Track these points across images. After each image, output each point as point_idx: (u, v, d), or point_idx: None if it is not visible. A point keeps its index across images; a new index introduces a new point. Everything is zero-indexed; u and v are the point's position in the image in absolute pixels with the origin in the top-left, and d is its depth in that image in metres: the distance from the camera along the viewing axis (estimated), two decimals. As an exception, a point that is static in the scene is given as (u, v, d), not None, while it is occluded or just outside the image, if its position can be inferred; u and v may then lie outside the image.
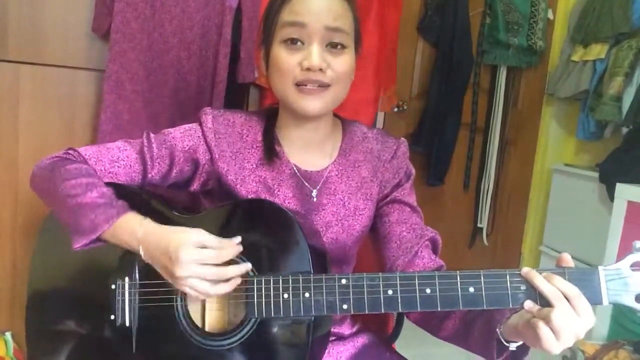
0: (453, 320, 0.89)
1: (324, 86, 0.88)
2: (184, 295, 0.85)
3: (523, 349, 0.79)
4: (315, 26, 0.86)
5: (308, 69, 0.86)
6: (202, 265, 0.76)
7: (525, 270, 0.74)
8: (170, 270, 0.76)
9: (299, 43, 0.87)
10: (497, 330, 0.79)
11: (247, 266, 0.80)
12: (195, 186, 0.97)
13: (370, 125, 1.85)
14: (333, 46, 0.88)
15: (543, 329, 0.69)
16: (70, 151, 0.91)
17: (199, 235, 0.78)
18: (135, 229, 0.80)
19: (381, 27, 1.79)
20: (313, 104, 0.88)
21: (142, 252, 0.80)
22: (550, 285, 0.71)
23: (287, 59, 0.87)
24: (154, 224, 0.81)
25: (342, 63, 0.89)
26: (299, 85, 0.88)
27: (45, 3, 1.39)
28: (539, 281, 0.72)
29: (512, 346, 0.78)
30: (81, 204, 0.81)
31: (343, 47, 0.89)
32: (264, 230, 0.85)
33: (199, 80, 1.46)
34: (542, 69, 2.65)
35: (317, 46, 0.87)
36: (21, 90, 1.40)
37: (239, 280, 0.80)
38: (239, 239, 0.81)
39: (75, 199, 0.81)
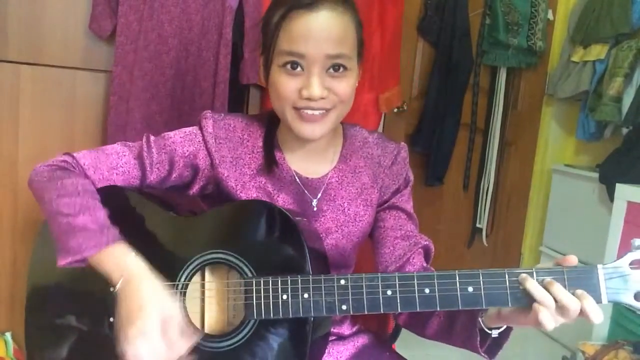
0: (438, 317, 0.90)
1: (324, 111, 0.87)
2: (183, 297, 0.85)
3: (504, 335, 0.81)
4: (315, 56, 0.82)
5: (308, 99, 0.84)
6: (159, 337, 0.74)
7: (522, 276, 0.74)
8: (132, 319, 0.74)
9: (298, 68, 0.84)
10: (479, 319, 0.80)
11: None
12: (194, 190, 0.96)
13: (378, 125, 1.85)
14: (335, 69, 0.85)
15: (542, 311, 0.71)
16: (67, 158, 0.89)
17: (173, 306, 0.76)
18: (120, 262, 0.78)
19: (383, 25, 1.79)
20: (312, 130, 0.87)
21: (119, 286, 0.77)
22: (544, 292, 0.72)
23: (286, 85, 0.85)
24: (139, 264, 0.79)
25: (344, 86, 0.86)
26: (298, 109, 0.86)
27: (45, 3, 1.39)
28: (533, 287, 0.72)
29: (494, 333, 0.80)
30: (72, 225, 0.79)
31: (345, 69, 0.86)
32: (263, 231, 0.85)
33: (199, 81, 1.47)
34: (542, 69, 2.65)
35: (317, 76, 0.83)
36: (21, 91, 1.40)
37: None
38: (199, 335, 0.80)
39: (67, 218, 0.80)
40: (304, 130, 0.87)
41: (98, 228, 0.80)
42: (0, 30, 1.36)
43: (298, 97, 0.85)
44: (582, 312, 0.71)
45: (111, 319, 0.87)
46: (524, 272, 0.74)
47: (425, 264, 0.96)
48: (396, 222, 0.98)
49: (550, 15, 2.55)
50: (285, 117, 0.88)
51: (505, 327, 0.80)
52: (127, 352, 0.74)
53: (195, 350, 0.83)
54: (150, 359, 0.73)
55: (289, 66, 0.84)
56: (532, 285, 0.72)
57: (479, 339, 0.81)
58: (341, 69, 0.85)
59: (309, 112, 0.85)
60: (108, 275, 0.79)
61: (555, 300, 0.71)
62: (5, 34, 1.37)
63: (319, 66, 0.83)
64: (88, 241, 0.78)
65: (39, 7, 1.38)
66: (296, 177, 0.95)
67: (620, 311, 1.84)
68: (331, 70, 0.85)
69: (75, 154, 0.90)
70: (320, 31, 0.82)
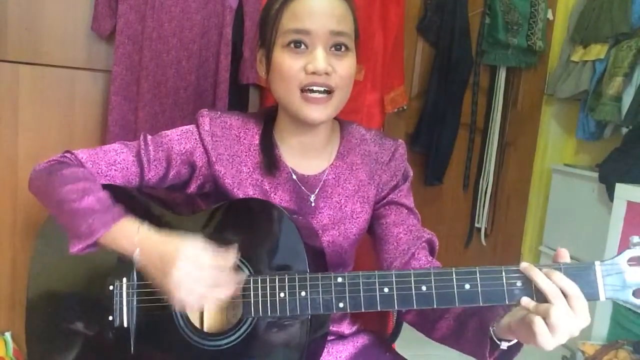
0: (447, 320, 0.89)
1: (330, 91, 0.87)
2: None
3: (515, 348, 0.79)
4: (319, 31, 0.85)
5: (313, 73, 0.85)
6: (198, 271, 0.74)
7: (524, 265, 0.73)
8: (166, 273, 0.75)
9: (302, 46, 0.86)
10: (490, 329, 0.79)
11: (242, 276, 0.80)
12: (192, 188, 0.96)
13: (381, 125, 1.85)
14: (337, 49, 0.87)
15: (539, 325, 0.69)
16: (67, 154, 0.91)
17: (196, 243, 0.77)
18: (132, 234, 0.80)
19: (385, 26, 1.79)
20: (318, 113, 0.87)
21: (137, 257, 0.79)
22: (549, 282, 0.71)
23: (291, 64, 0.86)
24: (150, 230, 0.81)
25: (346, 66, 0.88)
26: (304, 91, 0.86)
27: (44, 3, 1.39)
28: (538, 277, 0.71)
29: (503, 345, 0.78)
30: (78, 209, 0.80)
31: (347, 49, 0.88)
32: (260, 230, 0.85)
33: (199, 80, 1.47)
34: (541, 69, 2.65)
35: (322, 50, 0.86)
36: (21, 91, 1.40)
37: (233, 288, 0.78)
38: (235, 247, 0.79)
39: (72, 204, 0.81)
40: (310, 113, 0.87)
41: (103, 207, 0.81)
42: (0, 31, 1.36)
43: (304, 75, 0.86)
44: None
45: (110, 318, 0.87)
46: (519, 268, 0.74)
47: (430, 258, 0.95)
48: (397, 217, 0.98)
49: (549, 15, 2.55)
50: (290, 102, 0.88)
51: (515, 341, 0.78)
52: (177, 306, 0.75)
53: (193, 349, 0.83)
54: (202, 302, 0.75)
55: (293, 45, 0.86)
56: (537, 273, 0.71)
57: (488, 348, 0.79)
58: (343, 49, 0.87)
59: (315, 90, 0.86)
60: (122, 249, 0.80)
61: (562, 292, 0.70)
62: (5, 34, 1.37)
63: (323, 42, 0.86)
64: (96, 221, 0.79)
65: (38, 7, 1.39)
66: (293, 174, 0.95)
67: (620, 311, 1.84)
68: (333, 49, 0.87)
69: (73, 151, 0.91)
70: (324, 8, 0.85)
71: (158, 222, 0.90)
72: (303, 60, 0.86)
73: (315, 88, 0.86)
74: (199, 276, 0.74)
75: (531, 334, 0.70)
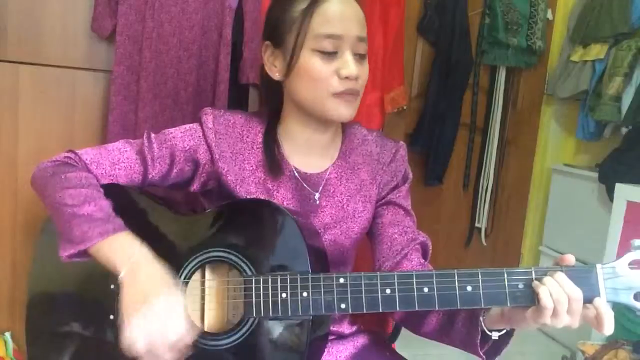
0: (437, 314, 0.90)
1: (357, 94, 0.90)
2: (183, 295, 0.85)
3: (503, 340, 0.81)
4: (349, 36, 0.87)
5: (346, 78, 0.87)
6: (158, 334, 0.73)
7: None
8: (135, 310, 0.74)
9: (331, 51, 0.88)
10: (480, 318, 0.79)
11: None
12: (195, 186, 0.97)
13: (380, 126, 1.86)
14: (359, 55, 0.90)
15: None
16: (70, 155, 0.90)
17: (177, 308, 0.76)
18: (129, 253, 0.78)
19: (385, 26, 1.79)
20: (349, 111, 0.90)
21: (121, 276, 0.77)
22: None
23: (322, 68, 0.87)
24: (147, 255, 0.79)
25: (366, 71, 0.92)
26: (339, 94, 0.88)
27: (45, 3, 1.39)
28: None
29: (494, 335, 0.79)
30: (77, 215, 0.80)
31: (365, 55, 0.91)
32: (263, 230, 0.85)
33: (199, 80, 1.47)
34: (541, 69, 2.66)
35: (350, 55, 0.88)
36: (21, 91, 1.40)
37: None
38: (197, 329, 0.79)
39: (72, 208, 0.80)
40: (343, 112, 0.89)
41: (104, 216, 0.81)
42: (0, 30, 1.36)
43: (337, 80, 0.88)
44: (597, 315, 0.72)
45: (111, 317, 0.87)
46: (524, 271, 0.74)
47: (422, 261, 0.96)
48: (394, 218, 0.99)
49: (549, 15, 2.56)
50: (319, 104, 0.89)
51: (505, 331, 0.80)
52: (125, 336, 0.74)
53: (194, 348, 0.83)
54: (147, 346, 0.73)
55: (323, 50, 0.87)
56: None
57: (479, 338, 0.80)
58: (362, 54, 0.90)
59: (348, 93, 0.88)
60: (112, 264, 0.78)
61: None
62: (5, 34, 1.37)
63: (351, 47, 0.88)
64: (94, 229, 0.78)
65: (38, 7, 1.38)
66: (295, 173, 0.96)
67: (620, 311, 1.84)
68: (357, 55, 0.89)
69: (77, 151, 0.91)
70: (352, 14, 0.89)
71: (162, 220, 0.91)
72: (334, 65, 0.88)
73: (348, 92, 0.88)
74: (155, 339, 0.73)
75: (531, 312, 0.72)
